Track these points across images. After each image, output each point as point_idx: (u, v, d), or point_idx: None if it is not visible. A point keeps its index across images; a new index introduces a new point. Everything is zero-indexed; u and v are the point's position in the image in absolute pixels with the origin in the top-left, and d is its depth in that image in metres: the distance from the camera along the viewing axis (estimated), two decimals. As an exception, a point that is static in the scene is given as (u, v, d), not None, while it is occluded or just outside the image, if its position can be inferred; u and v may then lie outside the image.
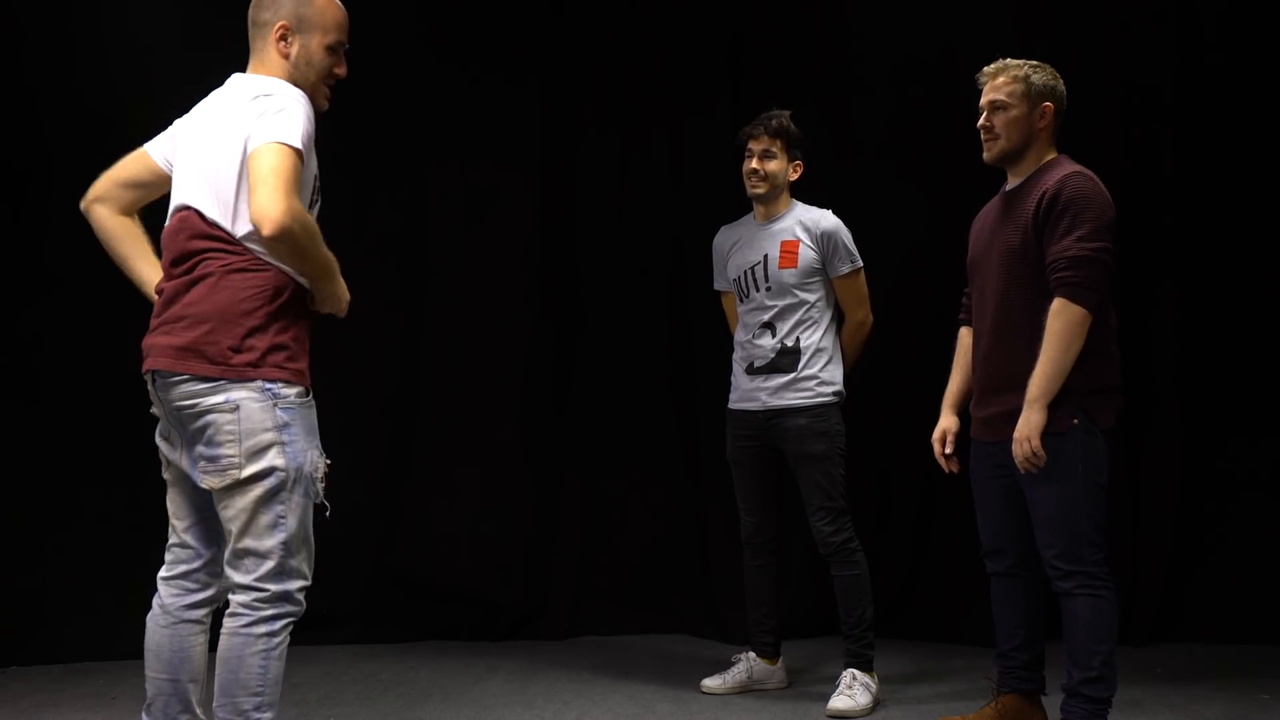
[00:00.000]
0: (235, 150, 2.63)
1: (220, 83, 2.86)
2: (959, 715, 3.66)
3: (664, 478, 5.11)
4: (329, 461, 2.74)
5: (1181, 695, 4.01)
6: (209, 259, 2.65)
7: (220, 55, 4.75)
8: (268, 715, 2.62)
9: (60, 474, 4.56)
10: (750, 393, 4.07)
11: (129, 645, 4.51)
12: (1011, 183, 3.39)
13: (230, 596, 2.67)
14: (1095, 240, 3.14)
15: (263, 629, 2.62)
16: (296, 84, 2.74)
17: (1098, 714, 3.19)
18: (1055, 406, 3.15)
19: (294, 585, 2.65)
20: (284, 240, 2.53)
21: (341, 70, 2.86)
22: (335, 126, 4.37)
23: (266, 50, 2.80)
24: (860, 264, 4.04)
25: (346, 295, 2.77)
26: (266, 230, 2.51)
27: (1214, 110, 4.84)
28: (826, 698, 3.90)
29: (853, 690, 3.88)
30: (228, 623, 2.65)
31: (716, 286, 4.29)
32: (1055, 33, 4.78)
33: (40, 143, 4.59)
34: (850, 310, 4.05)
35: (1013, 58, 3.41)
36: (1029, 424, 3.14)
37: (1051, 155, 3.35)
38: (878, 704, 3.91)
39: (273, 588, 2.63)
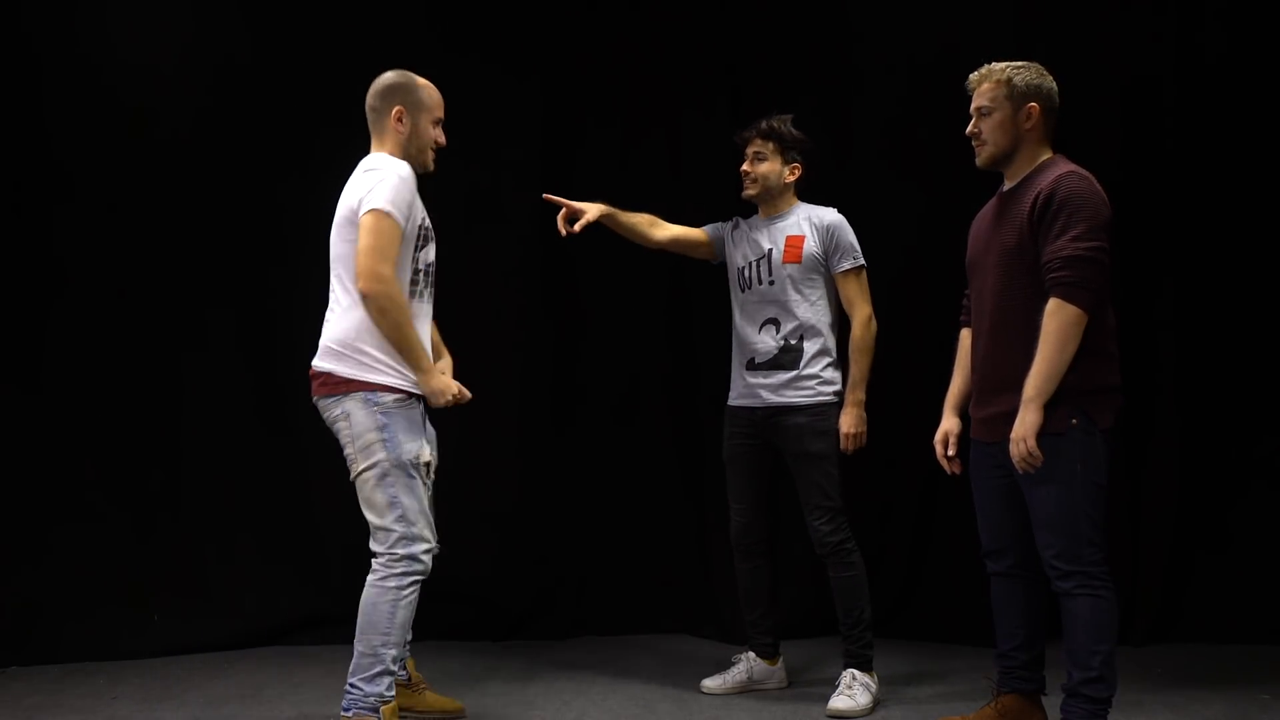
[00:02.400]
0: (352, 217, 3.36)
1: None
2: (959, 715, 3.66)
3: (664, 477, 5.11)
4: (430, 455, 3.39)
5: (1181, 695, 4.01)
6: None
7: (221, 51, 4.79)
8: (392, 652, 3.33)
9: (61, 474, 4.56)
10: (750, 389, 4.07)
11: (129, 645, 4.57)
12: (1008, 184, 3.39)
13: (372, 560, 3.36)
14: (1090, 240, 3.14)
15: (393, 584, 3.33)
16: (408, 153, 3.51)
17: (1098, 714, 3.19)
18: (1054, 406, 3.15)
19: (419, 549, 3.35)
20: (371, 298, 3.27)
21: (441, 139, 3.59)
22: (335, 124, 4.42)
23: (385, 129, 3.54)
24: (863, 262, 4.04)
25: (441, 390, 3.39)
26: (360, 286, 3.28)
27: (1214, 108, 4.83)
28: (826, 698, 3.90)
29: (853, 690, 3.88)
30: (368, 579, 3.35)
31: (707, 228, 4.25)
32: (1055, 30, 4.78)
33: (46, 138, 4.59)
34: (852, 308, 4.03)
35: (1011, 57, 3.42)
36: (1025, 424, 3.14)
37: (1047, 155, 3.35)
38: (878, 704, 3.92)
39: (400, 551, 3.33)
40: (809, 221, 4.05)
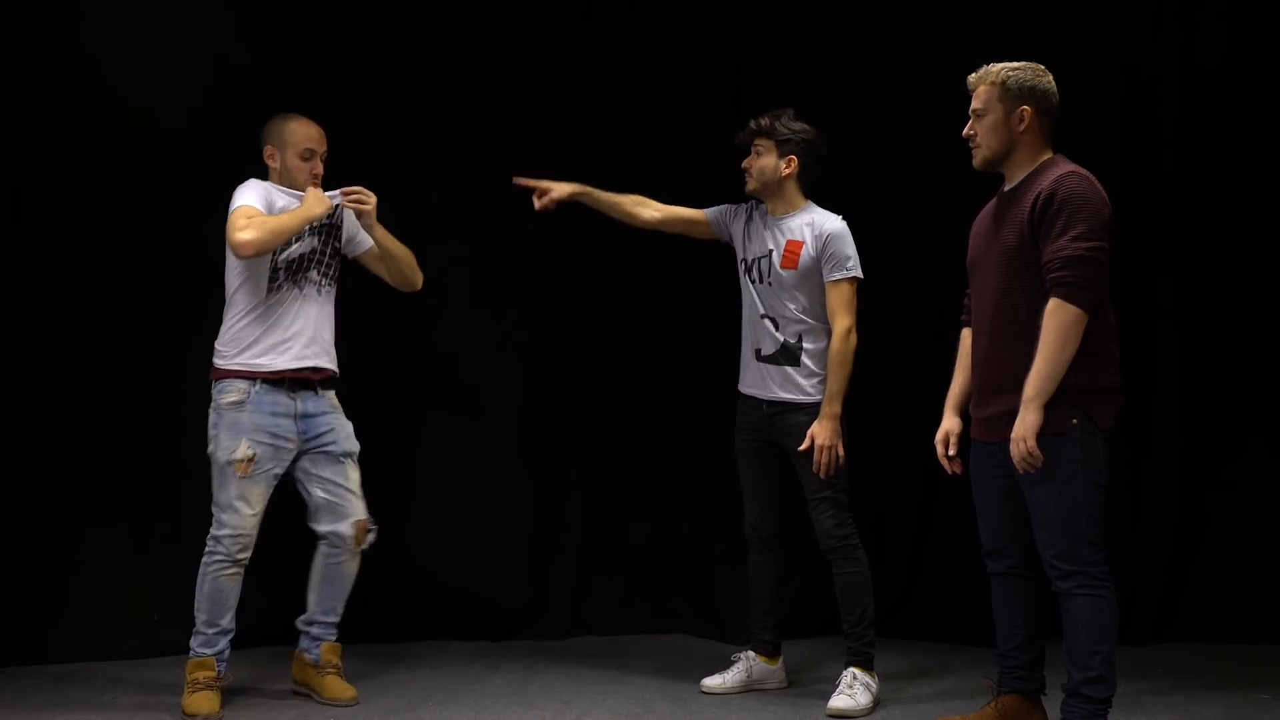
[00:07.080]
0: None
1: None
2: (959, 715, 3.66)
3: (664, 477, 5.11)
4: (245, 454, 3.86)
5: (1181, 695, 4.02)
6: None
7: (224, 49, 4.78)
8: (202, 616, 3.88)
9: (62, 474, 4.56)
10: (758, 379, 4.06)
11: (129, 645, 4.57)
12: (1008, 184, 3.39)
13: None
14: (1090, 240, 3.14)
15: (205, 559, 3.89)
16: (287, 184, 3.97)
17: (1098, 714, 3.20)
18: (1054, 406, 3.15)
19: (217, 531, 3.88)
20: (248, 250, 3.80)
21: (318, 170, 3.99)
22: (338, 133, 4.42)
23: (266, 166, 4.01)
24: (854, 274, 3.97)
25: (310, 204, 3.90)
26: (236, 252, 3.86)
27: (1215, 107, 4.83)
28: (826, 697, 3.90)
29: (853, 689, 3.88)
30: None
31: (710, 210, 4.22)
32: (1054, 30, 4.79)
33: (46, 140, 4.58)
34: (833, 318, 3.96)
35: (1012, 55, 3.42)
36: (1025, 424, 3.14)
37: (1046, 155, 3.35)
38: (878, 703, 3.92)
39: (212, 530, 3.90)
40: (810, 227, 4.01)
